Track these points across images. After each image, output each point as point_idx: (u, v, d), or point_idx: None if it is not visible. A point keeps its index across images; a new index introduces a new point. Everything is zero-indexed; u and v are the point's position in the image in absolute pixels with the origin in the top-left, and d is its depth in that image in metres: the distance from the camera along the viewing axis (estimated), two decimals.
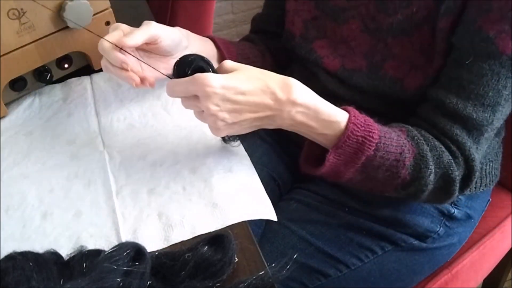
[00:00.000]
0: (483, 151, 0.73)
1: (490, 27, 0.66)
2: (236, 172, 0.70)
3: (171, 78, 0.66)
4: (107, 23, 0.84)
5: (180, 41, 0.75)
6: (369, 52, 0.79)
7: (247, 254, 0.60)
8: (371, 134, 0.64)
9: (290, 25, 0.90)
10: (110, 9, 0.83)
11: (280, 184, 0.91)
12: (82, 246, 0.58)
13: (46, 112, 0.83)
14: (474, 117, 0.68)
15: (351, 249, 0.80)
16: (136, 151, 0.75)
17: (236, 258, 0.58)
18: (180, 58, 0.65)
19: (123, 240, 0.63)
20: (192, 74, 0.62)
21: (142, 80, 0.70)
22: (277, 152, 0.94)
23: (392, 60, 0.77)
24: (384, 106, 0.80)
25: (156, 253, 0.58)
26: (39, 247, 0.58)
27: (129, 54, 0.69)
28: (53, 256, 0.57)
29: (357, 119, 0.65)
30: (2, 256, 0.55)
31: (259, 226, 0.81)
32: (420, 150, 0.68)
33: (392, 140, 0.66)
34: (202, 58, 0.64)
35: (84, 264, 0.54)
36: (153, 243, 0.62)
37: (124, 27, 0.71)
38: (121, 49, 0.68)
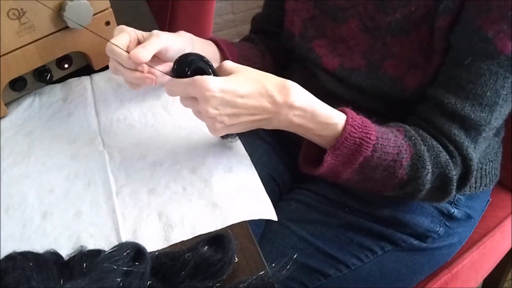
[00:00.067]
0: (481, 150, 0.73)
1: (489, 27, 0.66)
2: (236, 172, 0.70)
3: (171, 76, 0.66)
4: (107, 23, 0.84)
5: (185, 49, 0.75)
6: (368, 51, 0.79)
7: (247, 254, 0.60)
8: (368, 135, 0.65)
9: (290, 24, 0.90)
10: (110, 9, 0.84)
11: (280, 184, 0.91)
12: (82, 246, 0.58)
13: (46, 112, 0.83)
14: (472, 117, 0.68)
15: (351, 249, 0.80)
16: (136, 151, 0.75)
17: (236, 258, 0.58)
18: (180, 57, 0.65)
19: (123, 240, 0.63)
20: (191, 74, 0.62)
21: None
22: (277, 152, 0.94)
23: (391, 59, 0.77)
24: (383, 106, 0.80)
25: (156, 253, 0.58)
26: (39, 247, 0.58)
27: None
28: (53, 256, 0.57)
29: (355, 121, 0.65)
30: (2, 256, 0.55)
31: (259, 226, 0.81)
32: (417, 150, 0.68)
33: (390, 140, 0.67)
34: (201, 58, 0.64)
35: (84, 264, 0.54)
36: (153, 243, 0.62)
37: (130, 30, 0.72)
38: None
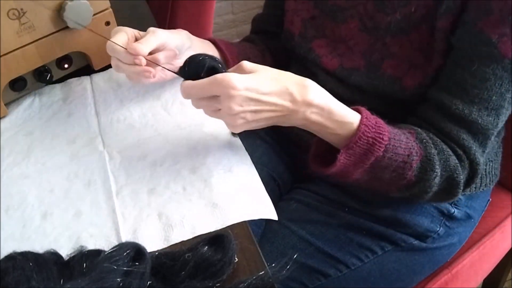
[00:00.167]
0: (487, 153, 0.74)
1: (492, 31, 0.66)
2: (236, 172, 0.70)
3: (181, 76, 0.65)
4: (107, 23, 0.84)
5: (183, 45, 0.76)
6: (367, 51, 0.79)
7: (247, 254, 0.60)
8: (381, 136, 0.65)
9: (289, 24, 0.90)
10: (110, 9, 0.84)
11: (280, 184, 0.91)
12: (82, 246, 0.58)
13: (46, 112, 0.83)
14: (479, 121, 0.69)
15: (351, 249, 0.80)
16: (136, 151, 0.75)
17: (236, 258, 0.58)
18: (190, 58, 0.65)
19: (123, 240, 0.63)
20: (207, 75, 0.62)
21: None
22: (277, 152, 0.94)
23: (390, 59, 0.77)
24: (383, 106, 0.80)
25: (156, 253, 0.58)
26: (39, 247, 0.58)
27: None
28: (53, 256, 0.57)
29: (369, 121, 0.66)
30: (2, 256, 0.55)
31: (259, 226, 0.81)
32: (428, 153, 0.69)
33: (401, 142, 0.67)
34: (212, 57, 0.64)
35: (84, 264, 0.54)
36: (153, 243, 0.62)
37: (127, 29, 0.73)
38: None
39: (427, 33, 0.73)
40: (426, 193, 0.72)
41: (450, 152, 0.70)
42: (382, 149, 0.66)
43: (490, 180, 0.88)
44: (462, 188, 0.72)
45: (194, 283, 0.54)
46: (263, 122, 0.66)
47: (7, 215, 0.67)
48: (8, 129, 0.80)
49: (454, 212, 0.84)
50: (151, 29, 0.73)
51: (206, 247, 0.56)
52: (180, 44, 0.76)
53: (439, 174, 0.69)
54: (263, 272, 0.56)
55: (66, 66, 0.86)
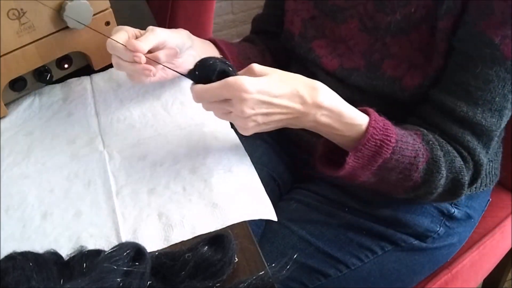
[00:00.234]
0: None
1: (494, 32, 0.66)
2: (236, 172, 0.70)
3: (191, 79, 0.65)
4: (107, 23, 0.84)
5: (183, 44, 0.76)
6: (367, 52, 0.79)
7: (247, 254, 0.60)
8: (389, 138, 0.66)
9: (289, 24, 0.90)
10: (110, 9, 0.83)
11: (280, 184, 0.91)
12: (82, 246, 0.58)
13: (46, 112, 0.83)
14: (483, 123, 0.69)
15: (351, 249, 0.80)
16: (136, 151, 0.75)
17: (236, 258, 0.58)
18: (200, 61, 0.65)
19: (123, 240, 0.63)
20: (217, 78, 0.62)
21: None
22: (277, 152, 0.94)
23: (390, 59, 0.77)
24: (383, 106, 0.79)
25: (156, 253, 0.58)
26: (39, 247, 0.58)
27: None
28: (53, 256, 0.57)
29: (377, 123, 0.66)
30: (2, 256, 0.55)
31: (259, 226, 0.81)
32: (434, 155, 0.69)
33: (408, 144, 0.68)
34: (223, 61, 0.64)
35: (84, 264, 0.54)
36: (153, 243, 0.62)
37: (127, 28, 0.73)
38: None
39: (427, 33, 0.73)
40: (431, 194, 0.72)
41: (456, 154, 0.70)
42: (390, 151, 0.66)
43: (490, 180, 0.88)
44: (466, 189, 0.72)
45: (194, 283, 0.54)
46: (273, 125, 0.66)
47: (7, 215, 0.67)
48: (8, 129, 0.80)
49: (454, 212, 0.84)
50: (151, 27, 0.73)
51: (206, 247, 0.56)
52: (181, 43, 0.76)
53: (444, 175, 0.69)
54: (263, 272, 0.56)
55: (66, 66, 0.85)
